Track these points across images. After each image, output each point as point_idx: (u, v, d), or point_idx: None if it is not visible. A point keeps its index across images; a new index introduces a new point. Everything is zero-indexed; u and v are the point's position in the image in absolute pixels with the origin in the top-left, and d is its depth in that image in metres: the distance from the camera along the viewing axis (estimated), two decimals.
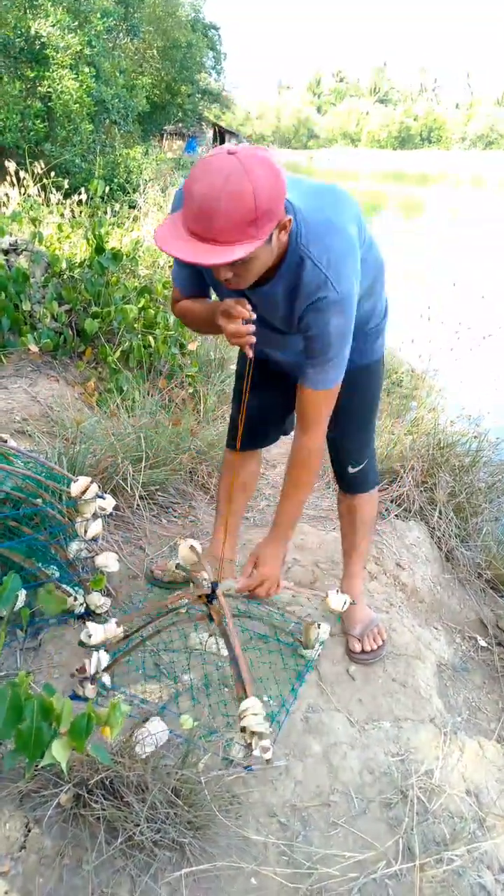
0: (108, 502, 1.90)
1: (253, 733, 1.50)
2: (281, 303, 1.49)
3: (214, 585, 1.80)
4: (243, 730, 1.51)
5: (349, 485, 2.02)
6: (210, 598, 1.75)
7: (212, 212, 1.18)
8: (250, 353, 1.45)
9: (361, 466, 1.96)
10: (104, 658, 1.63)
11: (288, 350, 1.69)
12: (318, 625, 1.91)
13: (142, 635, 1.78)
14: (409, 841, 1.52)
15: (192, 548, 1.97)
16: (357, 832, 1.54)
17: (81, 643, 1.68)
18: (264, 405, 1.97)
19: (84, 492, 1.84)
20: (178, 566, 2.04)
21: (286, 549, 1.81)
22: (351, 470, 1.96)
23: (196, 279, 1.63)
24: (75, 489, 1.84)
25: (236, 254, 1.21)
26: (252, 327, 1.42)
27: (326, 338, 1.46)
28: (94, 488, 1.86)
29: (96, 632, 1.66)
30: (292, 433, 2.10)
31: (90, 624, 1.68)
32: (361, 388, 1.86)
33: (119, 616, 2.01)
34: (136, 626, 1.79)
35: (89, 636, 1.66)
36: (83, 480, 1.85)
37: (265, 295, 1.49)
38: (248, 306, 1.41)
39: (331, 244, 1.40)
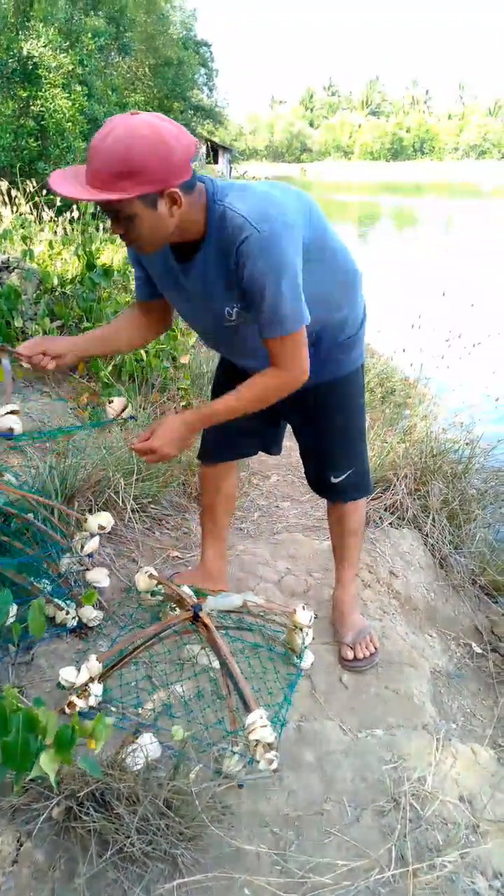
0: (107, 520, 1.93)
1: (266, 745, 1.51)
2: (217, 270, 1.49)
3: (197, 608, 1.81)
4: (256, 743, 1.52)
5: (332, 493, 2.02)
6: (195, 616, 1.77)
7: (92, 156, 1.29)
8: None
9: (345, 476, 1.94)
10: (94, 668, 1.65)
11: (247, 352, 1.68)
12: (301, 629, 1.92)
13: (125, 650, 1.79)
14: (402, 848, 1.52)
15: (150, 575, 2.00)
16: (350, 840, 1.53)
17: (61, 686, 1.69)
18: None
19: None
20: (152, 593, 2.06)
21: (191, 436, 1.67)
22: (333, 479, 1.95)
23: (146, 286, 1.72)
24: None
25: (95, 196, 1.29)
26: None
27: (263, 280, 1.40)
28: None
29: (71, 675, 1.68)
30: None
31: (64, 670, 1.69)
32: (338, 400, 1.87)
33: (110, 628, 2.02)
34: (126, 650, 1.81)
35: (69, 682, 1.67)
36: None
37: (199, 269, 1.51)
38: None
39: (249, 195, 1.44)
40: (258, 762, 1.52)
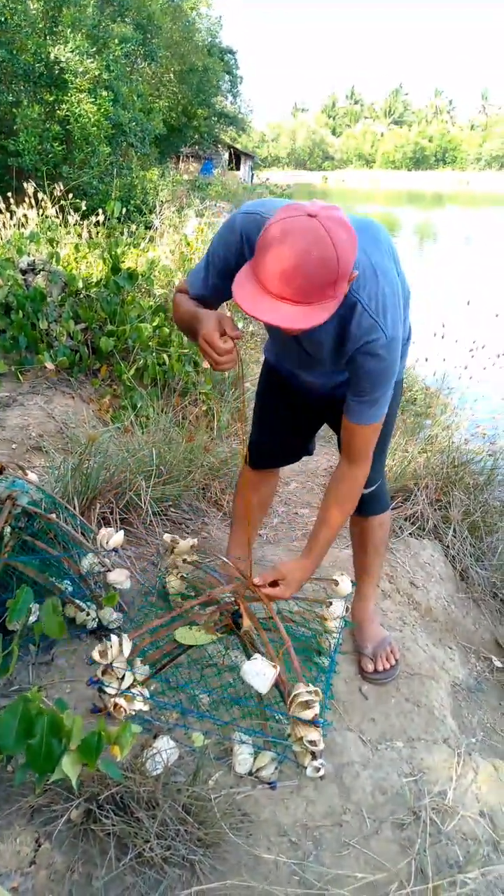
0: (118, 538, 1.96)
1: (303, 703, 1.50)
2: (327, 343, 1.54)
3: (237, 615, 1.79)
4: (299, 736, 1.50)
5: (360, 506, 2.01)
6: (235, 619, 1.75)
7: (296, 275, 1.20)
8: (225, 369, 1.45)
9: (373, 488, 1.94)
10: (126, 645, 1.60)
11: (316, 371, 1.71)
12: (327, 636, 1.91)
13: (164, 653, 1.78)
14: (422, 862, 1.50)
15: (182, 577, 2.00)
16: (369, 853, 1.52)
17: (93, 662, 1.67)
18: (285, 425, 1.98)
19: None
20: (182, 596, 2.05)
21: (309, 576, 1.79)
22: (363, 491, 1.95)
23: (213, 291, 1.60)
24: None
25: (320, 317, 1.24)
26: (231, 352, 1.41)
27: (375, 378, 1.52)
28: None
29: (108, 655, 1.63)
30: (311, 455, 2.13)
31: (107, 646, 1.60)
32: None
33: (130, 630, 2.01)
34: (165, 655, 1.80)
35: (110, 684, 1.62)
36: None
37: (310, 335, 1.52)
38: (235, 331, 1.40)
39: (378, 289, 1.44)
40: (305, 768, 1.51)
